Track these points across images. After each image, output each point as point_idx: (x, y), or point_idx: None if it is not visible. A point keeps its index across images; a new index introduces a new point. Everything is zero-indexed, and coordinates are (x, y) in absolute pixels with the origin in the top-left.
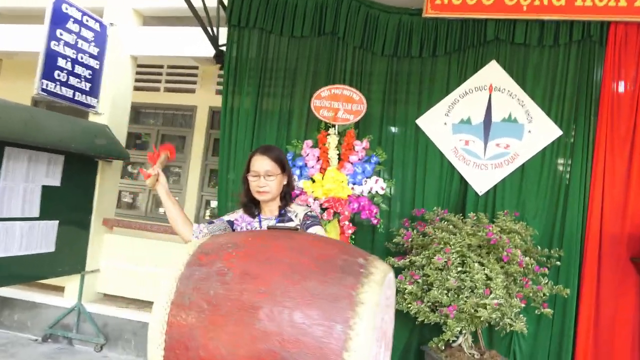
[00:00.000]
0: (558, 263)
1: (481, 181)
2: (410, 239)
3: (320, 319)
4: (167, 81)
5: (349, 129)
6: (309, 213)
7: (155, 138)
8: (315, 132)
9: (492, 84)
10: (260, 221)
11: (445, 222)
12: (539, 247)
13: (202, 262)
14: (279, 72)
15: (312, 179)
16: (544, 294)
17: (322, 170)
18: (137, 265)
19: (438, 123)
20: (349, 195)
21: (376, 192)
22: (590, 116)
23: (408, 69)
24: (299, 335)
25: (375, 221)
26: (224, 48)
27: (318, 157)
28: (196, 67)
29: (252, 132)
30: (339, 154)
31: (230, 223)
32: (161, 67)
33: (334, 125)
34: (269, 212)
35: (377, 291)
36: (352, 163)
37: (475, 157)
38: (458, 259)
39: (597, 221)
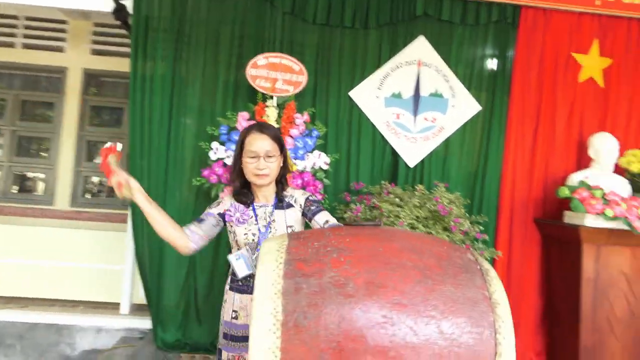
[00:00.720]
0: (482, 228)
1: (412, 154)
2: (359, 214)
3: (469, 326)
4: (26, 36)
5: (288, 101)
6: (310, 197)
7: (12, 104)
8: (246, 104)
9: (420, 59)
10: (254, 209)
11: (392, 196)
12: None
13: (305, 272)
14: (200, 35)
15: None
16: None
17: None
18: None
19: (371, 96)
20: (292, 171)
21: (319, 167)
22: (505, 93)
23: (340, 39)
24: (453, 347)
25: (319, 197)
26: (125, 2)
27: None
28: (64, 22)
29: (170, 102)
30: (278, 128)
31: (222, 216)
32: (15, 18)
33: (272, 97)
34: (264, 199)
35: (502, 288)
36: (293, 137)
37: (406, 130)
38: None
39: (510, 188)
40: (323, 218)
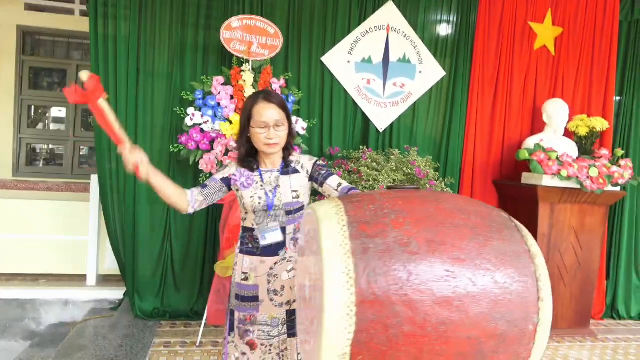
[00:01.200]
0: (449, 190)
1: (382, 119)
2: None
3: (517, 275)
4: None
5: (264, 65)
6: (318, 162)
7: None
8: (219, 67)
9: (389, 24)
10: (261, 174)
11: (370, 160)
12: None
13: (369, 233)
14: None
15: (228, 120)
16: None
17: (238, 110)
18: None
19: (342, 61)
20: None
21: (297, 132)
22: (467, 60)
23: (311, 3)
24: (505, 294)
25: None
26: None
27: (232, 95)
28: None
29: (137, 66)
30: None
31: (226, 181)
32: None
33: (247, 61)
34: (270, 164)
35: (535, 242)
36: None
37: (376, 95)
38: None
39: (471, 152)
40: (335, 181)
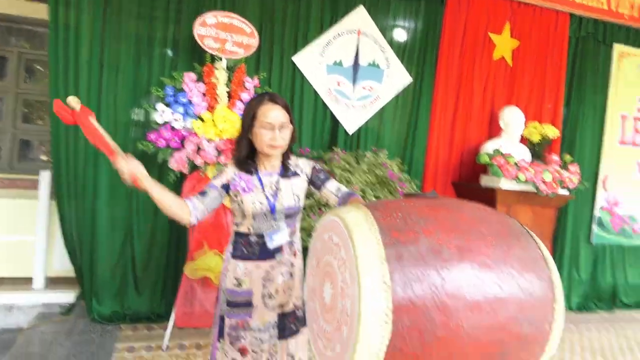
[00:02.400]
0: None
1: (351, 121)
2: None
3: (536, 279)
4: None
5: (238, 64)
6: (316, 167)
7: None
8: (190, 64)
9: (360, 29)
10: (260, 178)
11: (343, 162)
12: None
13: (401, 240)
14: None
15: (200, 118)
16: None
17: (210, 108)
18: None
19: (313, 63)
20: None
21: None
22: (432, 66)
23: (283, 4)
24: (528, 297)
25: None
26: None
27: (204, 93)
28: None
29: (100, 59)
30: (228, 92)
31: (225, 187)
32: None
33: (220, 59)
34: (270, 168)
35: (544, 246)
36: (243, 102)
37: (345, 98)
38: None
39: (434, 154)
40: (334, 185)
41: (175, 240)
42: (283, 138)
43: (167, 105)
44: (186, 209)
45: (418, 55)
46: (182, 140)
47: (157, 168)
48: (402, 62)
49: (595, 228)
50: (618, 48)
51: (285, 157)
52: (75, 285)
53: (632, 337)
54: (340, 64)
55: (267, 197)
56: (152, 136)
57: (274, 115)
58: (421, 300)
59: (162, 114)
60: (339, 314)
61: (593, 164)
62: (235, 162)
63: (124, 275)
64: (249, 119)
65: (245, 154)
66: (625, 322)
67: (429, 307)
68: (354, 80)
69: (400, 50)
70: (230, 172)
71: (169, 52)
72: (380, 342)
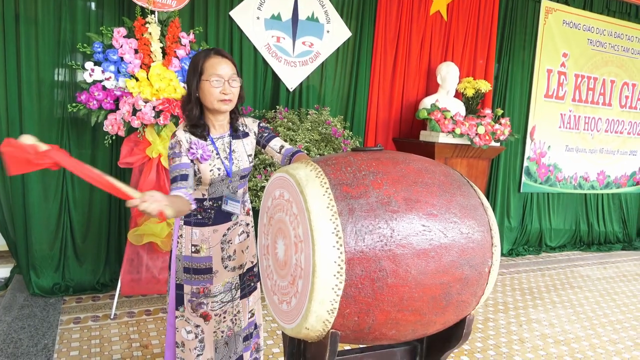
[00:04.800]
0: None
1: (291, 78)
2: None
3: (476, 226)
4: None
5: (172, 18)
6: (262, 124)
7: None
8: (118, 18)
9: None
10: (213, 142)
11: (286, 120)
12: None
13: (352, 194)
14: None
15: (134, 76)
16: None
17: (144, 66)
18: None
19: (251, 17)
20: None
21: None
22: (371, 22)
23: None
24: (469, 242)
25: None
26: None
27: (136, 49)
28: None
29: (15, 12)
30: (163, 48)
31: (189, 159)
32: None
33: (153, 12)
34: (220, 128)
35: (483, 194)
36: (179, 58)
37: (286, 54)
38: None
39: (375, 111)
40: (278, 143)
41: (115, 207)
42: (233, 92)
43: (97, 63)
44: (187, 203)
45: (357, 10)
46: (116, 100)
47: (90, 131)
48: (341, 16)
49: (523, 177)
50: (545, 3)
51: (233, 117)
52: (9, 260)
53: (555, 276)
54: (278, 17)
55: (223, 162)
56: (82, 97)
57: (223, 67)
58: (372, 250)
59: (91, 73)
60: (293, 269)
61: (522, 117)
62: (188, 127)
63: (63, 246)
64: (195, 75)
65: (198, 116)
66: (550, 264)
67: (379, 256)
68: (294, 36)
69: (339, 5)
70: (184, 141)
71: (92, 5)
72: (334, 292)
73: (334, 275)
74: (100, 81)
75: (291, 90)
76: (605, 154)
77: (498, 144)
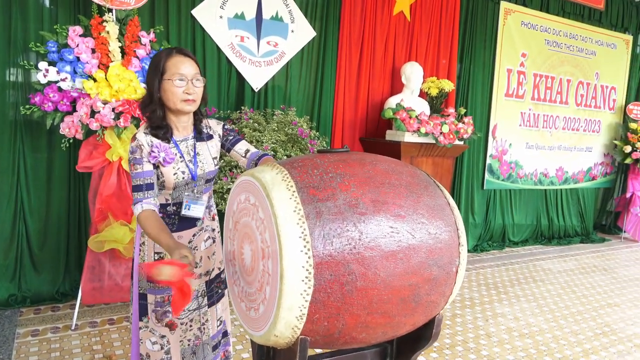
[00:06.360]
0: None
1: (256, 78)
2: None
3: (444, 226)
4: None
5: (131, 16)
6: (226, 126)
7: None
8: (73, 16)
9: None
10: (177, 145)
11: (252, 121)
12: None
13: (319, 197)
14: None
15: (92, 77)
16: None
17: (102, 66)
18: None
19: (214, 16)
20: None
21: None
22: (336, 22)
23: None
24: (437, 243)
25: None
26: None
27: (93, 49)
28: None
29: None
30: (122, 47)
31: (153, 165)
32: None
33: (110, 10)
34: (183, 130)
35: (449, 194)
36: (139, 58)
37: (250, 54)
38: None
39: (341, 111)
40: (243, 147)
41: (74, 213)
42: (196, 92)
43: (51, 63)
44: (158, 216)
45: (321, 11)
46: (73, 102)
47: (46, 135)
48: (305, 16)
49: (486, 175)
50: (504, 5)
51: (197, 118)
52: None
53: (518, 270)
54: (242, 17)
55: (187, 165)
56: (37, 99)
57: (186, 67)
58: (341, 254)
59: (45, 73)
60: (260, 275)
61: (484, 116)
62: (150, 129)
63: (19, 255)
64: (157, 74)
65: (162, 116)
66: (513, 258)
67: (348, 259)
68: (258, 35)
69: (304, 5)
70: (145, 145)
71: (46, 2)
72: (302, 298)
73: (302, 281)
74: (56, 82)
75: (256, 90)
76: (563, 151)
77: (462, 143)
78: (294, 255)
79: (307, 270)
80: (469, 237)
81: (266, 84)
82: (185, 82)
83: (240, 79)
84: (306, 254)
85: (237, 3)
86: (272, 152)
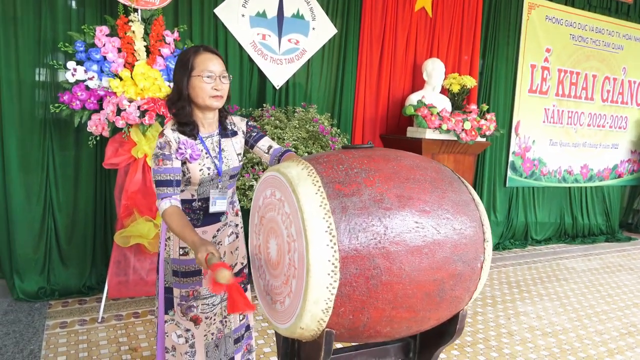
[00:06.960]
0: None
1: (278, 76)
2: None
3: (469, 221)
4: None
5: (155, 16)
6: (250, 123)
7: None
8: (100, 16)
9: None
10: (202, 141)
11: (273, 118)
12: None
13: (345, 192)
14: None
15: (118, 76)
16: None
17: (128, 65)
18: None
19: (236, 14)
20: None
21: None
22: (357, 19)
23: None
24: (461, 238)
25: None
26: None
27: (119, 48)
28: None
29: None
30: (147, 46)
31: (180, 162)
32: None
33: (136, 10)
34: (209, 127)
35: (473, 190)
36: (164, 57)
37: (272, 51)
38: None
39: (362, 108)
40: (266, 143)
41: (101, 209)
42: (224, 88)
43: (79, 62)
44: (183, 215)
45: (342, 7)
46: (100, 100)
47: (74, 133)
48: (327, 13)
49: (509, 172)
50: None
51: (222, 115)
52: None
53: (541, 269)
54: (264, 15)
55: (213, 161)
56: (65, 97)
57: (214, 64)
58: (366, 248)
59: (74, 72)
60: (286, 269)
61: (507, 112)
62: (177, 126)
63: (48, 250)
64: (186, 71)
65: (190, 113)
66: (536, 257)
67: (373, 254)
68: (280, 33)
69: (325, 2)
70: (173, 141)
71: (73, 4)
72: (329, 291)
73: (328, 274)
74: (83, 81)
75: (278, 88)
76: (588, 148)
77: (484, 140)
78: (320, 249)
79: (333, 264)
80: (491, 235)
81: (287, 82)
82: (213, 78)
83: (262, 77)
84: (332, 248)
85: (258, 1)
86: (294, 149)
